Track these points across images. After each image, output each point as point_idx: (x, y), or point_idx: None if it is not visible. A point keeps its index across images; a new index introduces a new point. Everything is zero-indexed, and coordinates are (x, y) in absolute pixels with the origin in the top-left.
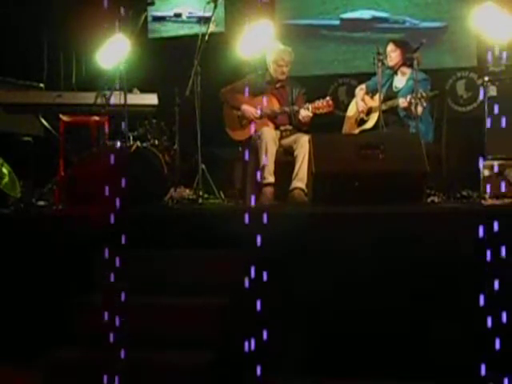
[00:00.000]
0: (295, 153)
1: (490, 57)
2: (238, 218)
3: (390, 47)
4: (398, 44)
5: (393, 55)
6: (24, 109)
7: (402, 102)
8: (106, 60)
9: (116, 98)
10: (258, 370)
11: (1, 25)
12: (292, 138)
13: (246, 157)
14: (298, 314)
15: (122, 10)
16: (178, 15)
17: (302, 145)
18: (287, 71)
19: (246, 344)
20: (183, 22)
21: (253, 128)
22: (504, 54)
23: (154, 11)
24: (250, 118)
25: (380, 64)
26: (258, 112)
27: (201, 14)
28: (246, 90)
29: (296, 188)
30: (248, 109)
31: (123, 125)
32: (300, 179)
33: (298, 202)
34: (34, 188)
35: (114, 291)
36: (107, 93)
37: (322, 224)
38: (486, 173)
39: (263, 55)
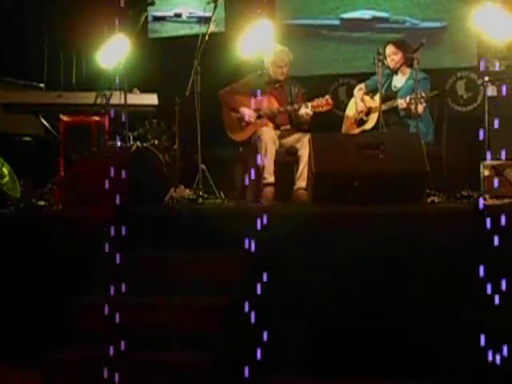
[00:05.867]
0: (299, 152)
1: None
2: (238, 218)
3: (391, 49)
4: (399, 46)
5: (395, 58)
6: (24, 109)
7: (401, 103)
8: (106, 60)
9: (116, 98)
10: (259, 370)
11: (1, 25)
12: (294, 137)
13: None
14: (298, 313)
15: (122, 10)
16: (178, 15)
17: (306, 145)
18: (286, 71)
19: (246, 344)
20: (183, 22)
21: (252, 130)
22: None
23: (154, 11)
24: (248, 121)
25: (380, 64)
26: (256, 114)
27: (201, 14)
28: (245, 90)
29: (300, 188)
30: (246, 111)
31: (123, 124)
32: (304, 179)
33: (301, 202)
34: (34, 188)
35: (114, 291)
36: (107, 93)
37: (322, 224)
38: (486, 173)
39: (262, 56)
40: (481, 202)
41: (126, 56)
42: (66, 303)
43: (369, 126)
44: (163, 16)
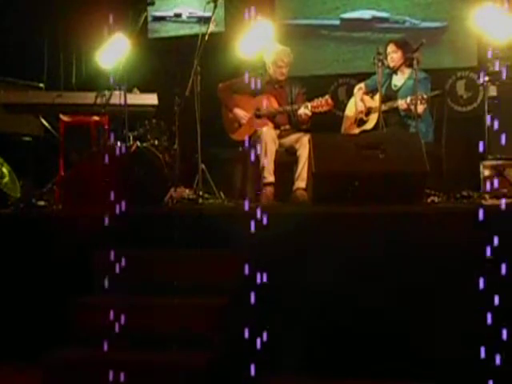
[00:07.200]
0: (298, 153)
1: (489, 56)
2: (237, 218)
3: (391, 48)
4: (399, 44)
5: (395, 56)
6: (24, 109)
7: (402, 104)
8: (105, 60)
9: (116, 98)
10: (258, 370)
11: (1, 25)
12: (293, 137)
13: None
14: (298, 313)
15: (122, 10)
16: (178, 15)
17: (305, 145)
18: (286, 72)
19: (246, 344)
20: (183, 22)
21: (247, 131)
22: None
23: (154, 11)
24: (240, 122)
25: (380, 64)
26: (249, 116)
27: (201, 14)
28: (245, 88)
29: (299, 188)
30: (238, 112)
31: (123, 124)
32: (303, 180)
33: (300, 202)
34: (34, 188)
35: (114, 291)
36: (107, 93)
37: (322, 224)
38: (486, 173)
39: (262, 55)
40: (481, 212)
41: (125, 56)
42: (65, 303)
43: (369, 126)
44: (163, 16)
